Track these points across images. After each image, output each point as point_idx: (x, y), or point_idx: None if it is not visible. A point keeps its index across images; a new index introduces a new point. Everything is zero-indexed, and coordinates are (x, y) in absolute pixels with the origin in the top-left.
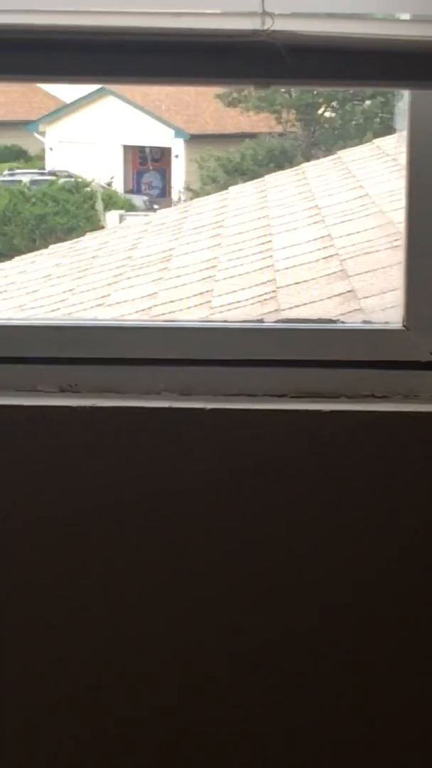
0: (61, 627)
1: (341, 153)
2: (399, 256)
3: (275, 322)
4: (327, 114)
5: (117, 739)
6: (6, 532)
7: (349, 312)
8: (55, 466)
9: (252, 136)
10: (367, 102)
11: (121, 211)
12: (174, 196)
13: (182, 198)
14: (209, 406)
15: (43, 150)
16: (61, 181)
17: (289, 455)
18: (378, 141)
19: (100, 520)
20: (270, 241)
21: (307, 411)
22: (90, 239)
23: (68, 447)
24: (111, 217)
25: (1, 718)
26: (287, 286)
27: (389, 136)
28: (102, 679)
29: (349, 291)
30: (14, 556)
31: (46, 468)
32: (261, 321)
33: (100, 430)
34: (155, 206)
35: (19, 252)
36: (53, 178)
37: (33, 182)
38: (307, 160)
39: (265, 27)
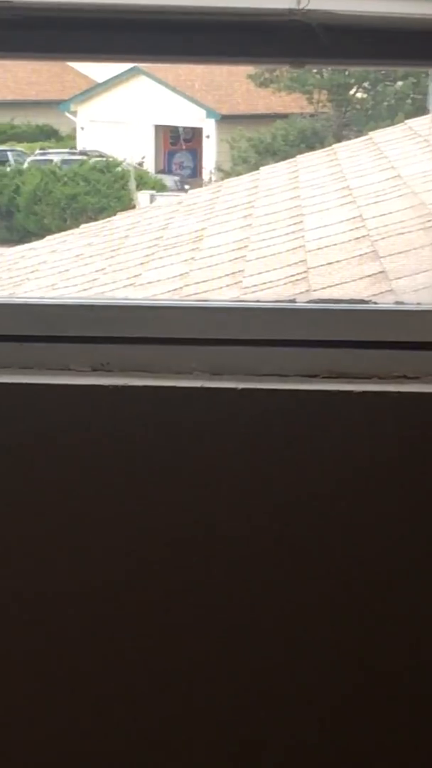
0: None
1: (373, 134)
2: (431, 237)
3: (307, 302)
4: (359, 95)
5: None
6: (37, 509)
7: (381, 293)
8: (87, 444)
9: (283, 116)
10: (399, 83)
11: (152, 191)
12: (205, 176)
13: (213, 178)
14: (240, 386)
15: (74, 129)
16: (92, 160)
17: (320, 436)
18: (410, 122)
19: (130, 498)
20: (301, 222)
21: (339, 391)
22: (121, 219)
23: (99, 426)
24: (142, 197)
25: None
26: (318, 266)
27: (421, 117)
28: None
29: (380, 272)
30: (44, 533)
31: (78, 446)
32: (293, 301)
33: (132, 409)
34: (186, 186)
35: (50, 231)
36: (84, 157)
37: (64, 162)
38: (339, 140)
39: (301, 6)
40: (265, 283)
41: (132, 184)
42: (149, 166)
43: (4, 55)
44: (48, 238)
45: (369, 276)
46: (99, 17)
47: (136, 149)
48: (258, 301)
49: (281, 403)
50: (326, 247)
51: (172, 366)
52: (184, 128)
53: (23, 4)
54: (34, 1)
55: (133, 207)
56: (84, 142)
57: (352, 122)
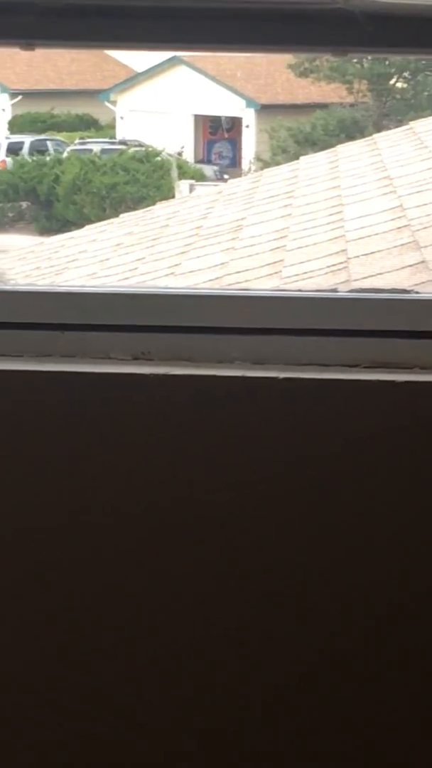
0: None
1: (413, 123)
2: None
3: (349, 291)
4: (399, 84)
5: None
6: (79, 497)
7: (422, 283)
8: (128, 433)
9: (323, 106)
10: None
11: (192, 181)
12: (244, 166)
13: (252, 168)
14: (282, 375)
15: (113, 119)
16: (132, 150)
17: (361, 426)
18: None
19: (171, 487)
20: (341, 212)
21: (380, 381)
22: (161, 208)
23: (140, 414)
24: (181, 186)
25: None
26: (358, 256)
27: None
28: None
29: (421, 262)
30: (83, 521)
31: (119, 435)
32: (335, 291)
33: (173, 398)
34: (225, 176)
35: (90, 221)
36: (124, 147)
37: (104, 151)
38: (378, 130)
39: None
40: (305, 273)
41: (174, 172)
42: (188, 156)
43: (44, 44)
44: (87, 227)
45: (410, 266)
46: (139, 5)
47: (176, 139)
48: (300, 291)
49: (323, 393)
50: (367, 237)
51: (214, 355)
52: (224, 118)
53: None
54: None
55: (174, 196)
56: (123, 131)
57: (392, 112)
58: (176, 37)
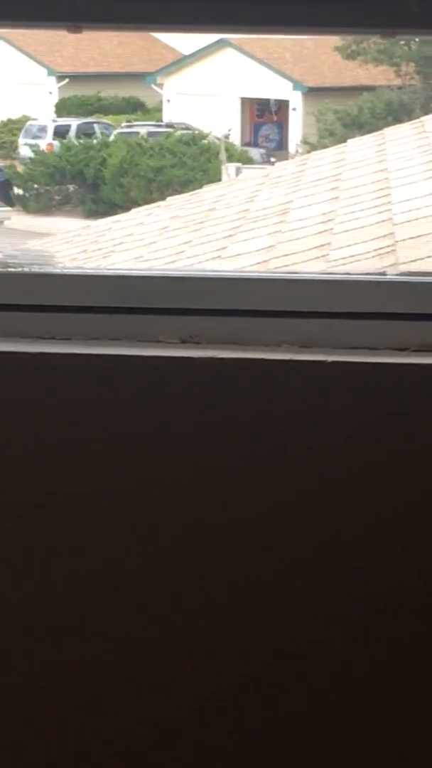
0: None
1: None
2: None
3: (398, 275)
4: None
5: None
6: (130, 481)
7: None
8: (175, 416)
9: (370, 88)
10: None
11: (238, 164)
12: (291, 149)
13: (299, 151)
14: (330, 358)
15: (160, 102)
16: (179, 133)
17: (410, 409)
18: None
19: (220, 470)
20: (388, 195)
21: (430, 365)
22: (207, 191)
23: (187, 398)
24: (228, 169)
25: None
26: (406, 239)
27: None
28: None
29: None
30: (135, 505)
31: (166, 418)
32: (383, 274)
33: (220, 382)
34: (272, 159)
35: (136, 204)
36: (170, 130)
37: (150, 134)
38: (426, 113)
39: None
40: (352, 256)
41: (222, 155)
42: (235, 139)
43: (91, 26)
44: (134, 210)
45: None
46: None
47: (222, 122)
48: (348, 274)
49: (371, 376)
50: (414, 220)
51: (261, 338)
52: (271, 101)
53: None
54: None
55: (220, 180)
56: (170, 114)
57: None
58: (223, 19)
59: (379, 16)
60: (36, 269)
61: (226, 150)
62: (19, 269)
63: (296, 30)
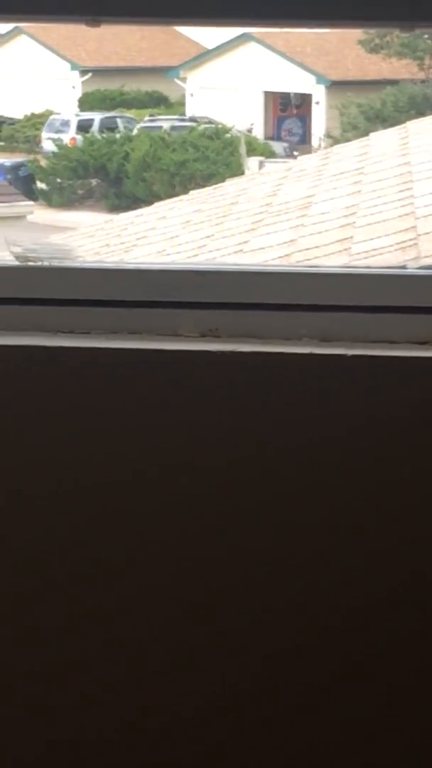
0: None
1: None
2: None
3: (418, 268)
4: None
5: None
6: (149, 474)
7: None
8: (196, 409)
9: (394, 82)
10: None
11: (261, 158)
12: (314, 142)
13: (322, 145)
14: (350, 352)
15: (183, 96)
16: (202, 127)
17: (429, 402)
18: None
19: (239, 464)
20: (411, 188)
21: None
22: (230, 185)
23: (208, 391)
24: (251, 163)
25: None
26: (428, 233)
27: None
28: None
29: None
30: (155, 500)
31: (188, 411)
32: (404, 267)
33: (241, 375)
34: (295, 153)
35: (159, 198)
36: (193, 124)
37: (173, 128)
38: None
39: None
40: (374, 250)
41: (243, 149)
42: (258, 133)
43: (110, 20)
44: (156, 204)
45: None
46: None
47: (246, 116)
48: (368, 267)
49: (391, 370)
50: None
51: (281, 332)
52: (294, 94)
53: None
54: None
55: (243, 173)
56: (193, 108)
57: None
58: (245, 13)
59: (398, 9)
60: (55, 263)
61: (249, 144)
62: (39, 263)
63: (315, 23)
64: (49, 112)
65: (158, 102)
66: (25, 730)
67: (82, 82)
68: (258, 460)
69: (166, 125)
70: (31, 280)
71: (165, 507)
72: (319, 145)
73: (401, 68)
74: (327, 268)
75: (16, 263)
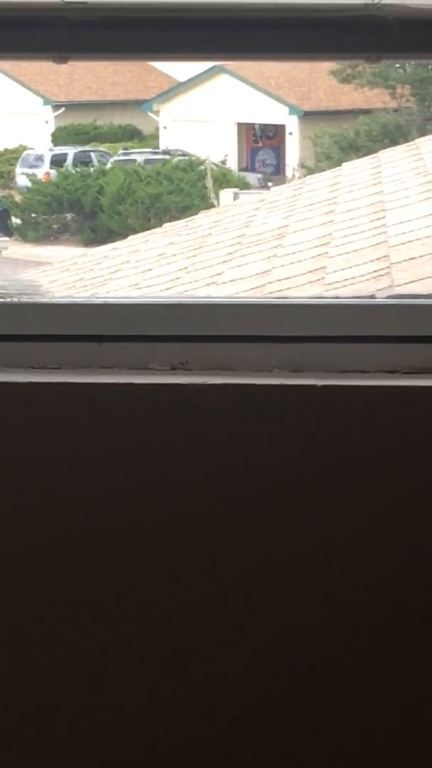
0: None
1: None
2: None
3: (387, 297)
4: None
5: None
6: (118, 509)
7: None
8: (166, 443)
9: (366, 111)
10: None
11: (236, 189)
12: (288, 173)
13: (296, 175)
14: (321, 382)
15: (156, 129)
16: (175, 159)
17: (402, 431)
18: None
19: (210, 496)
20: (384, 217)
21: (420, 387)
22: (203, 217)
23: (179, 424)
24: (225, 195)
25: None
26: (401, 261)
27: None
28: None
29: None
30: (125, 532)
31: (158, 445)
32: (373, 297)
33: (212, 408)
34: (269, 183)
35: (134, 231)
36: (167, 157)
37: (147, 161)
38: (422, 135)
39: (376, 0)
40: (347, 279)
41: (209, 182)
42: (232, 164)
43: (77, 57)
44: (131, 237)
45: None
46: (178, 17)
47: (219, 147)
48: (337, 297)
49: (362, 400)
50: (409, 242)
51: (252, 364)
52: (267, 126)
53: (98, 5)
54: (109, 2)
55: (212, 205)
56: (167, 141)
57: None
58: (213, 47)
59: (365, 41)
60: (25, 299)
61: (224, 175)
62: (8, 299)
63: (283, 57)
64: (23, 147)
65: (131, 135)
66: (22, 735)
67: (55, 116)
68: (231, 491)
69: (139, 158)
70: (1, 317)
71: (139, 544)
72: (293, 176)
73: (373, 97)
74: (296, 298)
75: None
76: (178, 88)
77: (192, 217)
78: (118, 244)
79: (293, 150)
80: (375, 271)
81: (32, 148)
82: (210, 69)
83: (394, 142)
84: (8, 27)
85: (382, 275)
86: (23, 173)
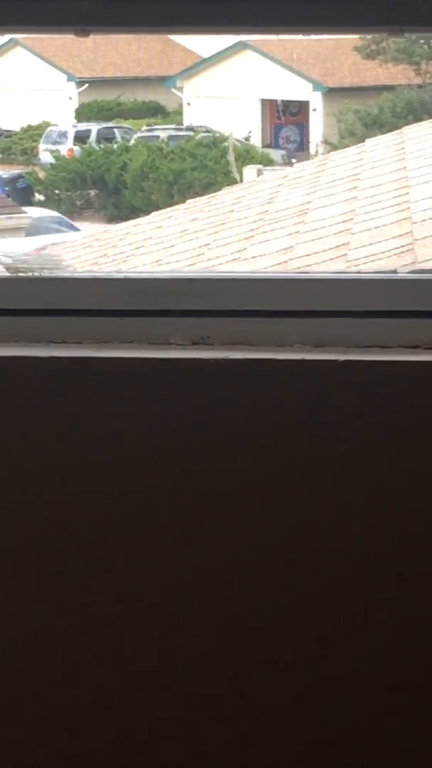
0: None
1: None
2: None
3: (408, 272)
4: None
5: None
6: (144, 483)
7: None
8: (188, 417)
9: (390, 88)
10: None
11: (259, 166)
12: (312, 149)
13: (320, 151)
14: (342, 357)
15: (180, 105)
16: (199, 136)
17: (422, 406)
18: None
19: (230, 471)
20: (407, 194)
21: None
22: (226, 194)
23: (201, 399)
24: (248, 171)
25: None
26: (424, 238)
27: None
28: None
29: None
30: (147, 508)
31: (180, 420)
32: (394, 272)
33: (233, 383)
34: (293, 160)
35: (158, 207)
36: (191, 133)
37: (171, 138)
38: None
39: None
40: (370, 256)
41: (231, 156)
42: (256, 141)
43: (99, 29)
44: (153, 214)
45: None
46: None
47: (243, 124)
48: (359, 272)
49: (383, 375)
50: None
51: (273, 338)
52: (291, 102)
53: None
54: None
55: (234, 181)
56: (190, 117)
57: None
58: (234, 20)
59: (386, 13)
60: (46, 273)
61: (248, 152)
62: (29, 274)
63: (303, 29)
64: (46, 124)
65: (155, 112)
66: (24, 740)
67: (79, 93)
68: (252, 466)
69: (163, 135)
70: (22, 291)
71: (156, 514)
72: (317, 152)
73: (398, 74)
74: (317, 273)
75: (7, 274)
76: (202, 64)
77: (215, 194)
78: (141, 220)
79: (317, 126)
80: (398, 248)
81: (56, 125)
82: (234, 45)
83: (418, 119)
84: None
85: (405, 251)
86: (47, 150)
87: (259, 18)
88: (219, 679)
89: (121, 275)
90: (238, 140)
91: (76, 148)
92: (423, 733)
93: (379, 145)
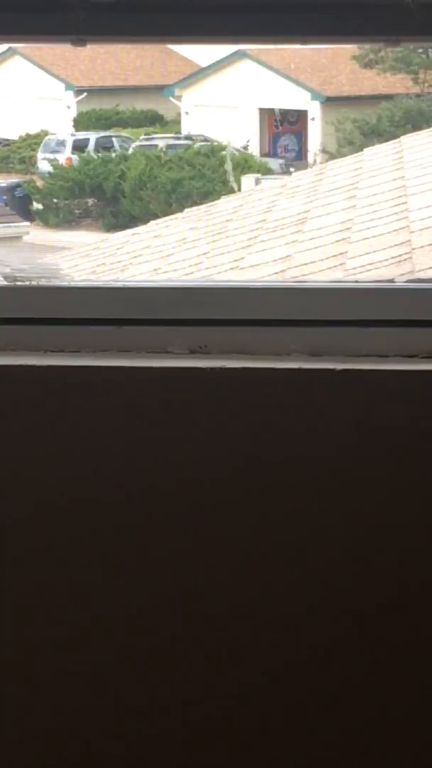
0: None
1: None
2: None
3: (406, 282)
4: None
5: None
6: (142, 492)
7: None
8: (186, 426)
9: (389, 97)
10: None
11: (257, 175)
12: (310, 158)
13: (318, 160)
14: (340, 366)
15: (178, 114)
16: (197, 145)
17: (420, 416)
18: None
19: (229, 481)
20: (405, 203)
21: None
22: (225, 203)
23: (198, 408)
24: (247, 180)
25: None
26: (422, 247)
27: None
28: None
29: None
30: (135, 519)
31: (177, 428)
32: (392, 281)
33: (230, 392)
34: (291, 169)
35: (156, 216)
36: (189, 142)
37: (169, 147)
38: None
39: None
40: (369, 265)
41: (228, 165)
42: (254, 150)
43: (95, 39)
44: (152, 223)
45: None
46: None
47: (241, 133)
48: (356, 282)
49: (381, 384)
50: (430, 227)
51: (271, 347)
52: (289, 111)
53: None
54: None
55: (232, 190)
56: (188, 126)
57: None
58: (233, 30)
59: (384, 24)
60: (44, 282)
61: (246, 161)
62: (27, 283)
63: (300, 39)
64: (45, 133)
65: (153, 121)
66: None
67: (77, 101)
68: (248, 475)
69: (161, 144)
70: (19, 300)
71: (154, 523)
72: (315, 161)
73: (396, 83)
74: (315, 282)
75: (5, 283)
76: (200, 73)
77: (213, 203)
78: (140, 229)
79: (315, 135)
80: (396, 257)
81: (54, 134)
82: (232, 54)
83: (416, 128)
84: (25, 8)
85: (404, 261)
86: (45, 158)
87: (258, 28)
88: (219, 689)
89: (119, 284)
90: (236, 149)
91: (75, 157)
92: (425, 737)
93: (378, 154)
